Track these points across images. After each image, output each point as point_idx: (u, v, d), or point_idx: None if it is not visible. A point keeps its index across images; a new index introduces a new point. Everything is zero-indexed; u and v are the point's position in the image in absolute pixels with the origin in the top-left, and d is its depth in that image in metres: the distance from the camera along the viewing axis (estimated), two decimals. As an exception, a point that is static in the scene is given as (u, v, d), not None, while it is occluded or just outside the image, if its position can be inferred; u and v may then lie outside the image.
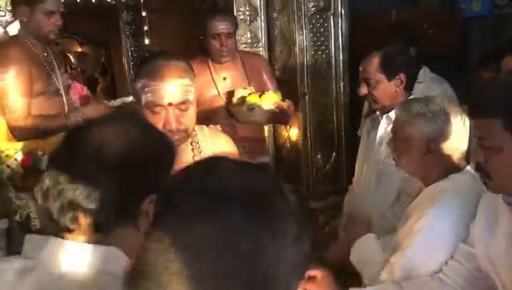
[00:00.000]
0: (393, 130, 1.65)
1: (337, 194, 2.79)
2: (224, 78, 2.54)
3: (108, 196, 0.82)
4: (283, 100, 2.41)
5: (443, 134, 1.50)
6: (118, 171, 0.83)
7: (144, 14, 5.09)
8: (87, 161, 0.83)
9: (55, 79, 2.34)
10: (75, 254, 0.84)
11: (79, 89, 2.46)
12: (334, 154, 3.16)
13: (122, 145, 0.85)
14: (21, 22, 2.32)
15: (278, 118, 2.45)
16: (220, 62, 2.52)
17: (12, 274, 0.84)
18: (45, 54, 2.34)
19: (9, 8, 2.53)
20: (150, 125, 0.99)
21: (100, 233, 0.85)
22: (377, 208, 2.08)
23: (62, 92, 2.37)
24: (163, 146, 0.93)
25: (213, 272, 0.55)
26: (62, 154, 0.88)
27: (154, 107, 1.40)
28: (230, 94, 2.46)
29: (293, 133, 3.15)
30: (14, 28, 2.54)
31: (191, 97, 1.44)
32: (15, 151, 2.18)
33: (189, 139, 1.54)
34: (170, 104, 1.40)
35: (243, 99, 2.36)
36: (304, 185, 3.14)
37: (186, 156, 1.54)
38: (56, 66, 2.38)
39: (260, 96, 2.36)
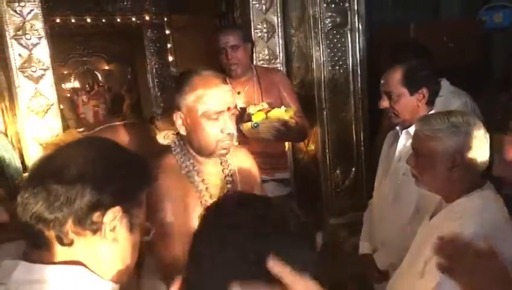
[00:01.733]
0: (414, 147, 1.62)
1: (357, 209, 2.75)
2: (238, 93, 2.57)
3: (66, 207, 0.88)
4: (297, 116, 2.41)
5: (467, 146, 1.48)
6: (75, 184, 0.89)
7: (167, 32, 5.21)
8: (48, 176, 0.90)
9: None
10: (40, 277, 0.89)
11: None
12: (353, 169, 3.12)
13: (83, 162, 0.91)
14: None
15: (286, 135, 2.45)
16: (231, 75, 2.56)
17: None
18: None
19: (34, 30, 2.63)
20: (116, 147, 1.03)
21: (65, 246, 0.90)
22: (395, 223, 2.05)
23: None
24: (130, 164, 0.98)
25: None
26: (29, 176, 0.95)
27: (214, 114, 1.47)
28: (242, 111, 2.49)
29: (312, 148, 3.14)
30: (39, 51, 2.64)
31: None
32: None
33: None
34: (229, 109, 1.49)
35: (250, 116, 2.38)
36: (324, 200, 3.12)
37: (217, 168, 1.61)
38: None
39: (267, 113, 2.37)
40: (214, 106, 1.47)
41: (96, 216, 0.90)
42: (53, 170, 0.90)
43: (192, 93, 1.48)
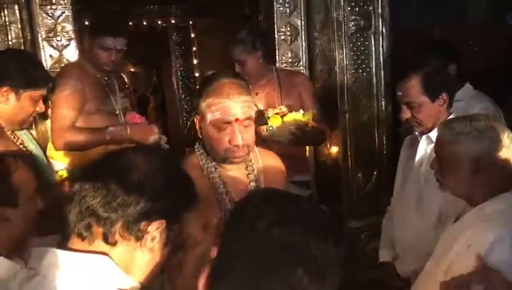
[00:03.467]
0: (437, 151, 1.60)
1: (379, 213, 2.73)
2: (256, 94, 2.57)
3: (121, 210, 0.92)
4: (316, 120, 2.40)
5: (491, 151, 1.46)
6: (134, 191, 0.93)
7: (192, 35, 5.28)
8: (112, 176, 0.94)
9: (113, 100, 2.55)
10: (70, 263, 0.93)
11: (136, 119, 2.58)
12: (375, 173, 3.11)
13: (145, 171, 0.95)
14: (84, 50, 2.61)
15: (301, 139, 2.44)
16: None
17: (17, 284, 0.94)
18: (106, 78, 2.55)
19: (64, 32, 2.71)
20: (177, 163, 1.09)
21: (108, 245, 0.94)
22: (417, 230, 2.03)
23: (119, 112, 2.56)
24: (183, 183, 1.03)
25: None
26: (93, 168, 0.98)
27: (222, 124, 1.47)
28: (261, 113, 2.49)
29: (334, 151, 3.15)
30: (69, 52, 2.73)
31: (253, 113, 1.54)
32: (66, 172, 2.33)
33: None
34: (237, 120, 1.47)
35: (266, 120, 2.38)
36: (345, 204, 3.12)
37: (241, 173, 1.61)
38: (117, 89, 2.60)
39: (283, 117, 2.36)
40: (221, 116, 1.47)
41: (143, 225, 0.94)
42: (118, 171, 0.95)
43: (205, 101, 1.49)
